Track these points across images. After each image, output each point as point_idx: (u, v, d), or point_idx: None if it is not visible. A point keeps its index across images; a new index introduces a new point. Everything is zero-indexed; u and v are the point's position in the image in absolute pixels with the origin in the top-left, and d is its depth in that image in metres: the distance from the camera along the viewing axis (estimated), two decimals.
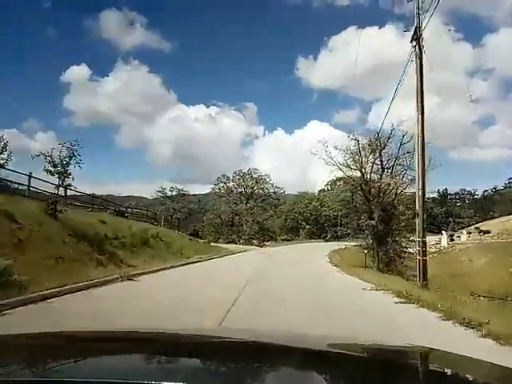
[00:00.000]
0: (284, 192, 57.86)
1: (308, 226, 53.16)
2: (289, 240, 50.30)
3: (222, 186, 56.91)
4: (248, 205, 55.66)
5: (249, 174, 57.13)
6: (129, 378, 1.04)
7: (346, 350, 1.60)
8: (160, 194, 48.93)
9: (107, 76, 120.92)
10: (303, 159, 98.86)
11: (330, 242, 46.06)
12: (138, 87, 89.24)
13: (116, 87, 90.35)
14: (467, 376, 1.35)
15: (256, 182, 57.03)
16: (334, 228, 55.94)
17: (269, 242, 48.23)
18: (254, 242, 48.23)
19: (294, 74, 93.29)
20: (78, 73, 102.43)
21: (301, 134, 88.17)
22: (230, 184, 57.31)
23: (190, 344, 1.63)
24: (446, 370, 1.46)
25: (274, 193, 57.21)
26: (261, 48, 79.88)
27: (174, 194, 48.75)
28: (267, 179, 57.48)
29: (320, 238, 51.89)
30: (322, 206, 52.86)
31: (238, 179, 57.09)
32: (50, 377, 1.10)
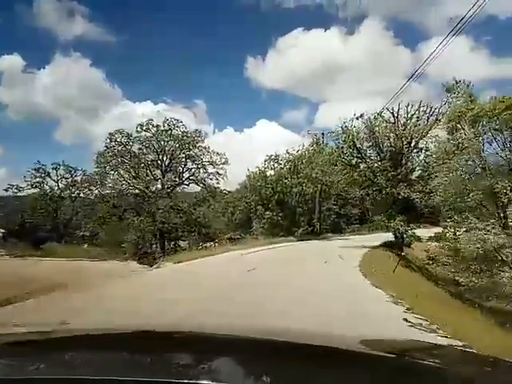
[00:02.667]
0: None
1: (267, 215, 32.46)
2: (237, 239, 29.52)
3: (116, 148, 33.71)
4: (169, 183, 33.92)
5: (166, 131, 34.52)
6: (129, 376, 1.04)
7: (350, 347, 1.57)
8: None
9: (44, 68, 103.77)
10: (252, 157, 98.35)
11: (331, 242, 28.82)
12: (80, 81, 78.34)
13: (54, 80, 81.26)
14: (467, 371, 1.34)
15: (179, 145, 34.82)
16: (330, 215, 36.99)
17: (210, 245, 27.36)
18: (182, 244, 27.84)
19: (244, 74, 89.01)
20: (9, 63, 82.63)
21: (250, 132, 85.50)
22: (134, 147, 34.37)
23: (192, 342, 1.62)
24: (450, 366, 1.42)
25: (218, 173, 35.44)
26: (210, 46, 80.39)
27: None
28: (202, 144, 35.61)
29: (289, 233, 31.80)
30: (298, 183, 32.50)
31: (146, 140, 34.24)
32: (50, 375, 1.08)
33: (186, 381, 1.03)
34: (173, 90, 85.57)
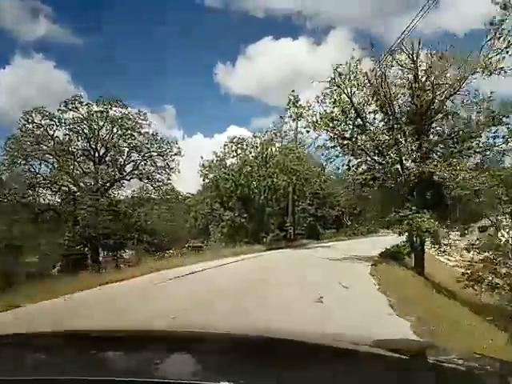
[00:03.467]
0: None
1: (227, 216, 25.55)
2: (198, 248, 22.71)
3: (34, 132, 25.76)
4: (104, 177, 26.57)
5: (101, 112, 26.94)
6: (130, 376, 1.03)
7: (353, 347, 1.58)
8: None
9: (3, 68, 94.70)
10: None
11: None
12: (43, 82, 71.39)
13: (15, 81, 70.78)
14: (467, 371, 1.35)
15: (120, 131, 27.45)
16: (305, 217, 30.35)
17: (163, 256, 19.95)
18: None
19: (214, 80, 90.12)
20: None
21: (220, 138, 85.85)
22: (60, 132, 26.63)
23: (194, 341, 1.61)
24: (448, 366, 1.42)
25: (169, 165, 28.18)
26: (181, 52, 78.53)
27: None
28: (149, 130, 28.34)
29: (255, 240, 25.11)
30: (267, 174, 25.52)
31: (74, 123, 26.10)
32: (50, 376, 1.07)
33: (186, 381, 1.03)
34: (141, 93, 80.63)
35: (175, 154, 27.76)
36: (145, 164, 28.15)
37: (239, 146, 25.29)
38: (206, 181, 26.53)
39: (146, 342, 1.61)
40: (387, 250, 18.68)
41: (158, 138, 28.07)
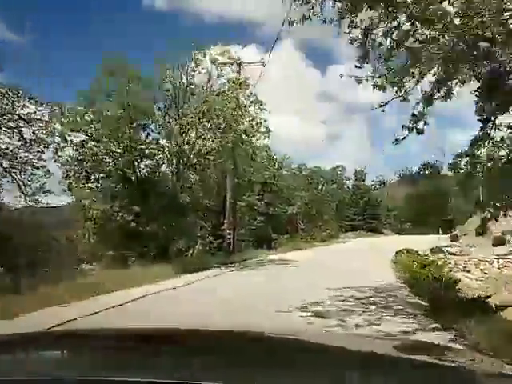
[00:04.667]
0: None
1: (97, 212, 13.94)
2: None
3: None
4: None
5: None
6: (131, 376, 1.03)
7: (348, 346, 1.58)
8: None
9: None
10: None
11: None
12: None
13: None
14: (468, 372, 1.34)
15: None
16: (253, 217, 19.66)
17: None
18: None
19: None
20: None
21: None
22: None
23: (194, 341, 1.61)
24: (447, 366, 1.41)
25: None
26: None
27: None
28: None
29: (163, 256, 13.86)
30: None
31: None
32: (51, 376, 1.07)
33: (186, 381, 1.02)
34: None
35: None
36: None
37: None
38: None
39: (146, 342, 1.58)
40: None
41: None
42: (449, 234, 35.09)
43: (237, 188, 19.90)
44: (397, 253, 17.66)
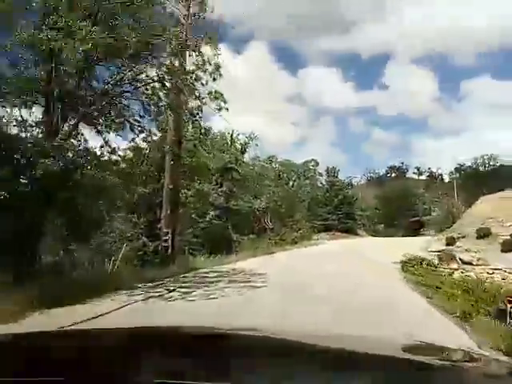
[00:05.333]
0: None
1: None
2: None
3: None
4: None
5: None
6: (130, 376, 1.04)
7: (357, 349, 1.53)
8: None
9: None
10: None
11: None
12: None
13: None
14: (467, 372, 1.34)
15: None
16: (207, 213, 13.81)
17: None
18: None
19: None
20: None
21: None
22: None
23: (194, 341, 1.59)
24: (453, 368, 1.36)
25: None
26: None
27: None
28: None
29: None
30: None
31: None
32: (50, 376, 1.06)
33: (186, 381, 1.03)
34: None
35: None
36: None
37: None
38: None
39: (146, 342, 1.57)
40: None
41: None
42: (436, 237, 31.04)
43: (183, 172, 14.14)
44: (404, 265, 12.57)
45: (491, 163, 73.21)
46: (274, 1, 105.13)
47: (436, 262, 14.45)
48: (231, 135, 20.19)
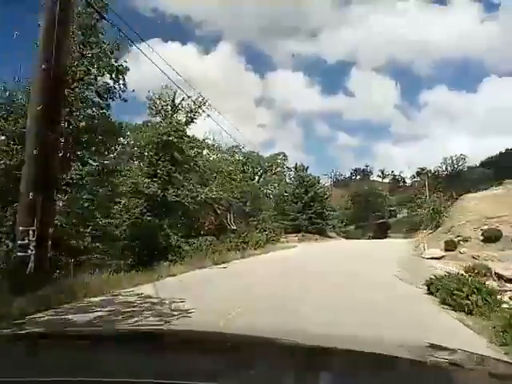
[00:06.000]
0: None
1: None
2: None
3: None
4: None
5: None
6: (129, 377, 1.03)
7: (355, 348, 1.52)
8: None
9: None
10: None
11: None
12: None
13: None
14: (467, 372, 1.34)
15: None
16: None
17: None
18: None
19: None
20: None
21: None
22: None
23: (194, 341, 1.60)
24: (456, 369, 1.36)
25: None
26: None
27: None
28: None
29: None
30: None
31: None
32: (50, 377, 1.06)
33: (186, 381, 1.02)
34: None
35: None
36: None
37: None
38: None
39: (145, 342, 1.57)
40: None
41: None
42: (415, 239, 26.78)
43: (72, 130, 8.23)
44: (438, 293, 7.35)
45: (459, 164, 73.27)
46: (243, 2, 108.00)
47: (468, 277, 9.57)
48: (173, 99, 14.46)
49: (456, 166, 74.53)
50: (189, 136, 14.58)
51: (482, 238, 18.31)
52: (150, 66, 10.73)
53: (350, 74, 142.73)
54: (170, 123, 13.54)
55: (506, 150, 75.07)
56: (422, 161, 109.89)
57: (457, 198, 30.72)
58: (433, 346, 1.61)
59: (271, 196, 42.02)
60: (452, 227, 22.36)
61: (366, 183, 76.06)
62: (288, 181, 42.87)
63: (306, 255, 20.73)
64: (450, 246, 18.68)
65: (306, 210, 39.49)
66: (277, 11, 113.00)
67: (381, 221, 75.33)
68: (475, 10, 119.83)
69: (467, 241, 18.79)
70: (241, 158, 39.34)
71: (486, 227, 19.34)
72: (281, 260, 17.87)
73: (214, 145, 29.88)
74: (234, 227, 37.85)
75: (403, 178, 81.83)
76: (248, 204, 36.72)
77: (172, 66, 14.26)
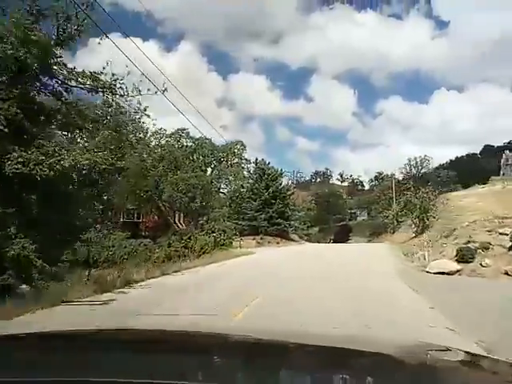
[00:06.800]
0: None
1: None
2: None
3: None
4: None
5: None
6: (130, 377, 1.03)
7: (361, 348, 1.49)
8: None
9: None
10: None
11: None
12: None
13: None
14: (467, 371, 1.33)
15: None
16: None
17: None
18: None
19: None
20: None
21: None
22: None
23: (193, 341, 1.60)
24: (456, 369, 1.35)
25: None
26: None
27: None
28: None
29: None
30: None
31: None
32: (50, 377, 1.06)
33: (185, 382, 1.02)
34: None
35: None
36: None
37: None
38: None
39: (145, 343, 1.57)
40: None
41: None
42: (418, 247, 21.64)
43: None
44: None
45: (424, 166, 72.27)
46: (206, 3, 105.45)
47: None
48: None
49: (420, 168, 73.48)
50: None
51: (509, 243, 13.16)
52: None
53: (311, 80, 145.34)
54: None
55: (467, 154, 76.81)
56: (377, 167, 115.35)
57: (436, 197, 25.89)
58: (430, 346, 1.58)
59: (226, 191, 35.69)
60: (454, 230, 17.21)
61: (326, 186, 75.97)
62: (246, 174, 36.69)
63: (266, 269, 14.45)
64: (466, 256, 13.35)
65: (267, 208, 33.51)
66: (240, 14, 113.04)
67: (342, 223, 73.60)
68: (427, 26, 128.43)
69: (487, 248, 13.58)
70: (189, 144, 32.77)
71: (506, 229, 14.27)
72: (220, 283, 11.17)
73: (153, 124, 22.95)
74: (184, 227, 31.32)
75: (361, 182, 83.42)
76: (198, 200, 30.19)
77: (132, 60, 10.15)
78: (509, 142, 71.43)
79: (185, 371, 1.13)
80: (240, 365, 1.26)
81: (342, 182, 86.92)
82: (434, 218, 22.63)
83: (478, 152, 74.54)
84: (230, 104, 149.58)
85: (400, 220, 46.43)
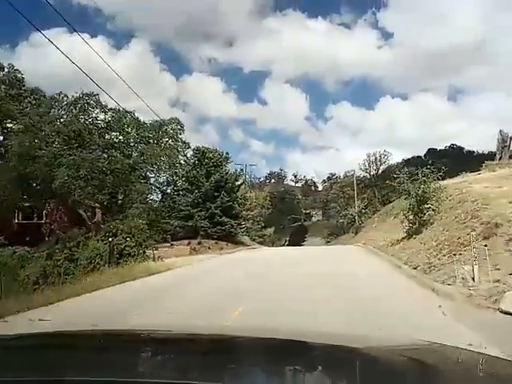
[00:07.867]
0: None
1: None
2: None
3: None
4: None
5: None
6: (130, 377, 1.03)
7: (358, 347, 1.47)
8: None
9: None
10: None
11: None
12: None
13: None
14: (477, 372, 1.30)
15: None
16: None
17: None
18: None
19: None
20: None
21: None
22: None
23: (195, 342, 1.59)
24: (455, 367, 1.36)
25: None
26: None
27: None
28: None
29: None
30: None
31: None
32: (50, 377, 1.05)
33: (185, 381, 1.02)
34: None
35: None
36: None
37: None
38: None
39: (145, 343, 1.57)
40: None
41: None
42: (407, 255, 14.90)
43: None
44: None
45: (384, 162, 69.37)
46: (158, 1, 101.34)
47: None
48: None
49: (379, 164, 69.57)
50: None
51: None
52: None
53: (265, 84, 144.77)
54: None
55: (413, 157, 78.33)
56: (327, 169, 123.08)
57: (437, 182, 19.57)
58: (431, 344, 1.58)
59: (155, 182, 27.32)
60: (497, 225, 10.46)
61: (281, 186, 75.19)
62: (182, 161, 28.47)
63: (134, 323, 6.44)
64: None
65: (207, 203, 25.54)
66: (194, 15, 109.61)
67: (297, 224, 70.26)
68: (374, 36, 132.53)
69: None
70: (101, 117, 23.99)
71: None
72: None
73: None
74: (102, 226, 22.71)
75: (315, 183, 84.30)
76: (107, 191, 21.62)
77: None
78: (450, 146, 74.16)
79: (185, 371, 1.11)
80: (238, 364, 1.24)
81: (296, 182, 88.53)
82: (434, 210, 16.14)
83: (423, 155, 74.72)
84: (183, 105, 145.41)
85: (363, 218, 41.28)
